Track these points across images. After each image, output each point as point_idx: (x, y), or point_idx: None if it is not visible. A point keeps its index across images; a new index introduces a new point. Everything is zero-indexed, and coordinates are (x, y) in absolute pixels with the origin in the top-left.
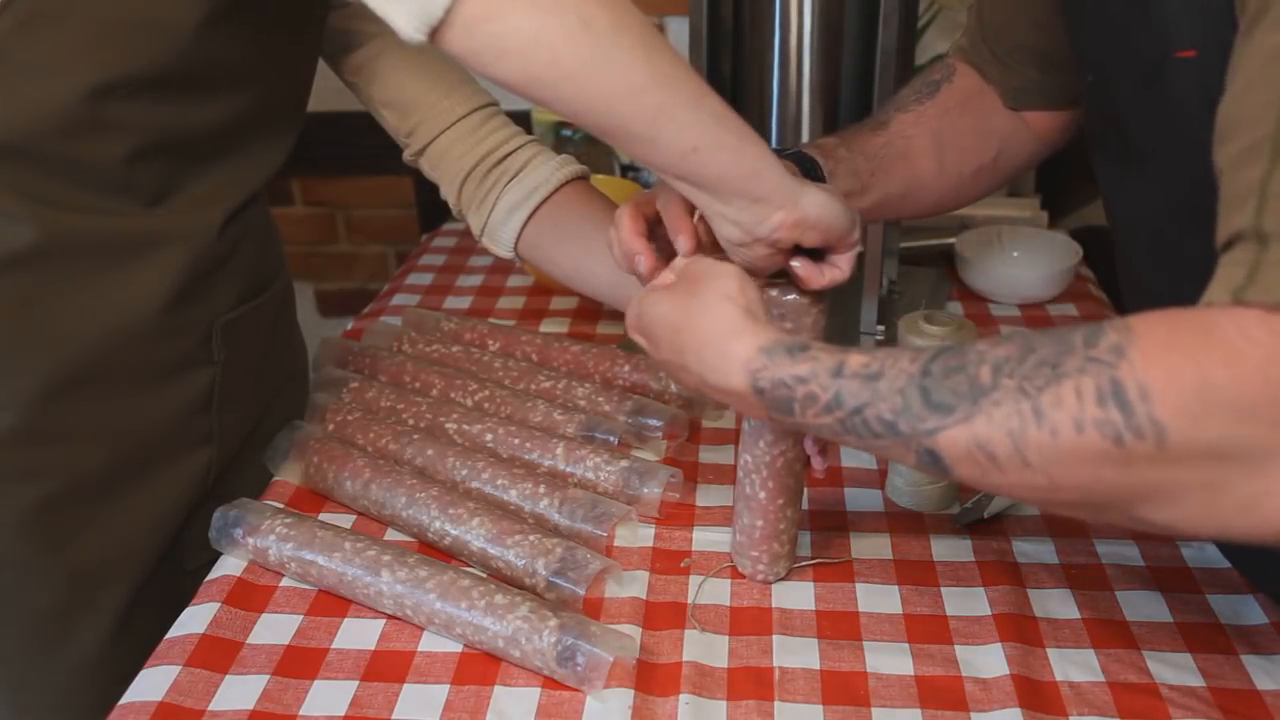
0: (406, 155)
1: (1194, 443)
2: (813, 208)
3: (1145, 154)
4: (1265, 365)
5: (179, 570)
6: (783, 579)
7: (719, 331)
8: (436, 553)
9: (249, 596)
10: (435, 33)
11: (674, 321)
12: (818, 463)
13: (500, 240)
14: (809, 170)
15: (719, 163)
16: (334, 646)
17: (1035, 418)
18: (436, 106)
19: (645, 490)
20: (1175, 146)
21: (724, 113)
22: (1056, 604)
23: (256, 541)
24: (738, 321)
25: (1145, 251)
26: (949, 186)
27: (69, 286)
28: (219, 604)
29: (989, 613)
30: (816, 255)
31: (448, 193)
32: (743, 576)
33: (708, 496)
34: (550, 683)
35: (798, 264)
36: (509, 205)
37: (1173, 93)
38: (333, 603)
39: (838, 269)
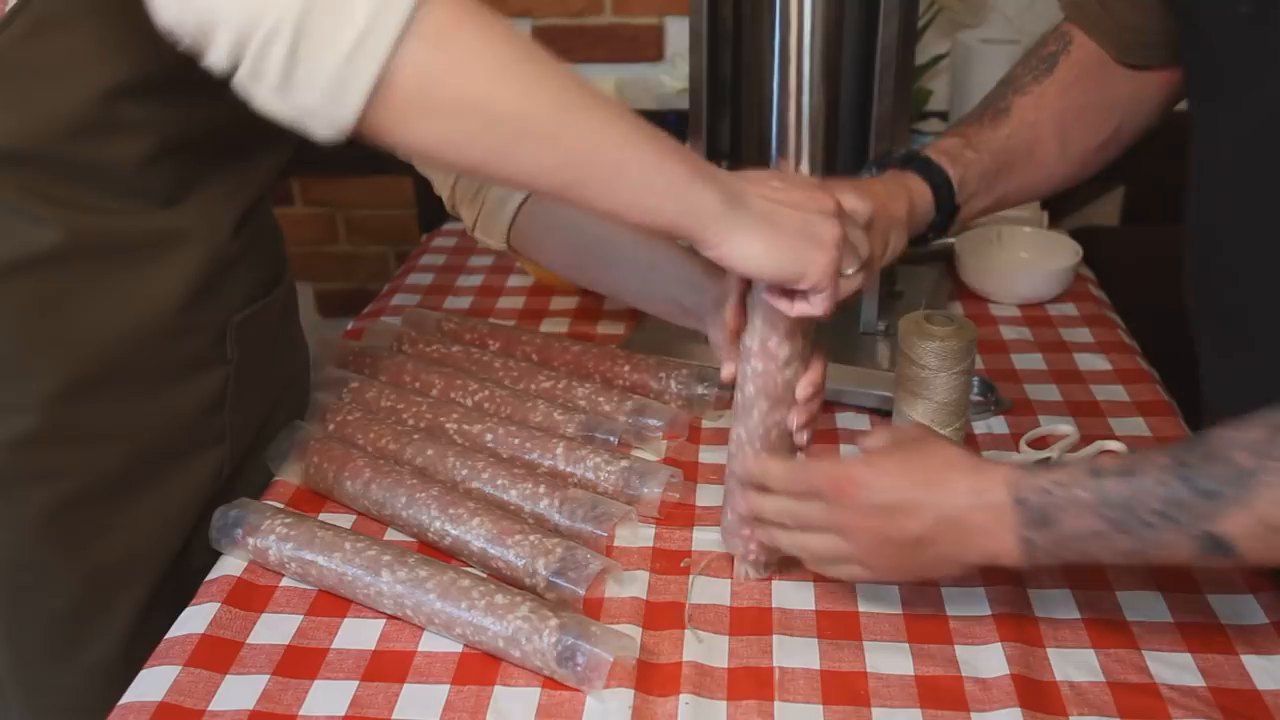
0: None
1: None
2: (739, 260)
3: (1244, 92)
4: None
5: (191, 571)
6: (775, 570)
7: (966, 458)
8: (436, 553)
9: (249, 596)
10: (350, 135)
11: (905, 464)
12: (799, 439)
13: (492, 231)
14: (936, 180)
15: (641, 217)
16: (334, 646)
17: None
18: None
19: (645, 490)
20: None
21: (649, 168)
22: (1056, 604)
23: (256, 541)
24: (977, 456)
25: (1240, 192)
26: (1072, 169)
27: (88, 287)
28: (219, 604)
29: (989, 613)
30: None
31: (442, 188)
32: (733, 574)
33: (708, 496)
34: (550, 683)
35: (767, 292)
36: (500, 196)
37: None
38: (333, 603)
39: (808, 305)
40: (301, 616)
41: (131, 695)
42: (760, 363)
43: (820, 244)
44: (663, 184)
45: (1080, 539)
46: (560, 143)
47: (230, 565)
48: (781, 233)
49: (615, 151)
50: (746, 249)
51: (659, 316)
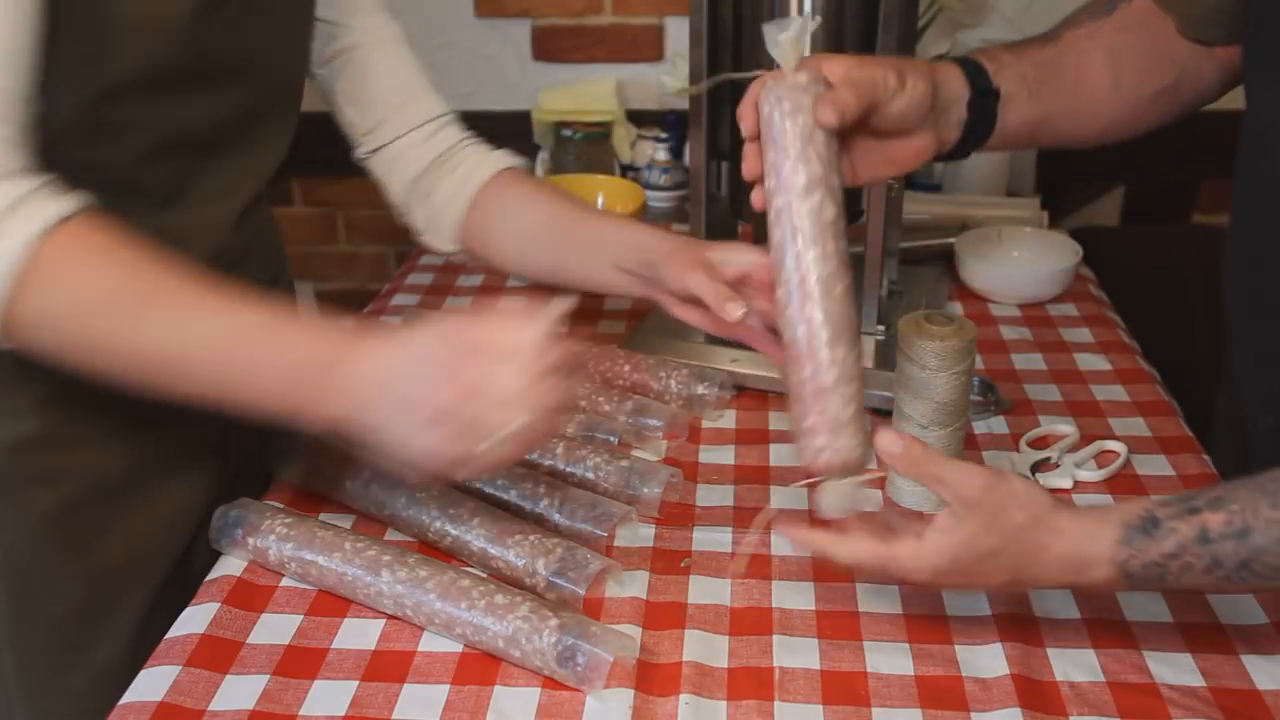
0: (358, 153)
1: None
2: (409, 467)
3: None
4: None
5: (194, 573)
6: (858, 467)
7: (1058, 529)
8: (436, 553)
9: (249, 596)
10: None
11: (996, 556)
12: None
13: (441, 231)
14: (974, 74)
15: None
16: (334, 646)
17: None
18: (401, 109)
19: (645, 490)
20: None
21: (268, 399)
22: (1056, 604)
23: (256, 541)
24: (1076, 522)
25: None
26: (1125, 109)
27: None
28: (219, 604)
29: (989, 612)
30: None
31: (395, 194)
32: (815, 506)
33: (708, 496)
34: (550, 683)
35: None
36: (446, 196)
37: None
38: (333, 603)
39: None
40: (301, 616)
41: (131, 695)
42: (780, 198)
43: (459, 435)
44: (284, 407)
45: (1192, 587)
46: (178, 392)
47: (230, 565)
48: (409, 436)
49: (227, 397)
50: (402, 455)
51: (622, 293)
